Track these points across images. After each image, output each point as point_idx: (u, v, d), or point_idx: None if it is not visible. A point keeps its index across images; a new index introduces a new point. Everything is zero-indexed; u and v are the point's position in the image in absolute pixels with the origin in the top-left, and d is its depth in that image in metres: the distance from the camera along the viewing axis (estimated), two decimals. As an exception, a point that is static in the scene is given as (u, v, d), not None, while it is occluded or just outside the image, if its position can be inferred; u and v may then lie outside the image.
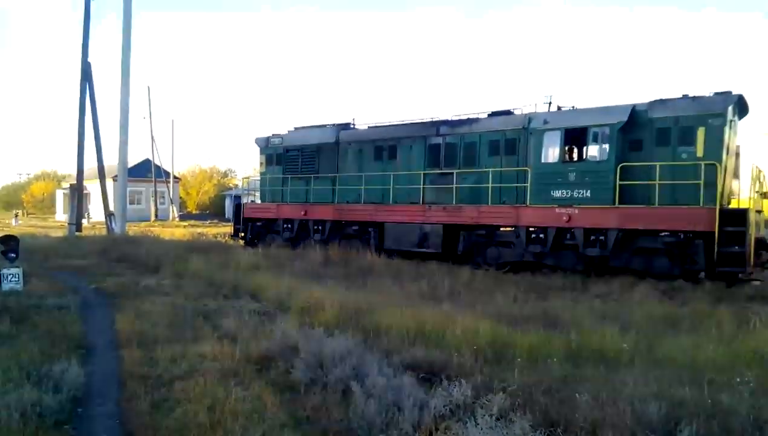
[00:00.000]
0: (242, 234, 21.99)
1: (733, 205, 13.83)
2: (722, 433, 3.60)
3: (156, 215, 50.12)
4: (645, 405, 3.91)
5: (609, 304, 10.11)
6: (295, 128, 21.64)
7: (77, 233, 25.96)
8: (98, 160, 27.33)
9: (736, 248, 11.99)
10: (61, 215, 55.58)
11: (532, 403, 4.14)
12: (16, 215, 59.29)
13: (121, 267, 14.89)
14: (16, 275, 10.22)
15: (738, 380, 4.57)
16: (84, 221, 33.38)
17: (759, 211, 13.50)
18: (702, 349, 6.21)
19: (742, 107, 13.87)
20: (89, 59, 26.34)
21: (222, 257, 15.24)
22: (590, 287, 12.31)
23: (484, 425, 3.49)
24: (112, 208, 27.69)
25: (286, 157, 20.85)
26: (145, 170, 51.78)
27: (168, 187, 51.51)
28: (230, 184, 64.69)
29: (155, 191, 51.14)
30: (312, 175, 19.98)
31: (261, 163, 22.15)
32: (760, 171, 13.78)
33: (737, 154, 13.94)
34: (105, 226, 28.28)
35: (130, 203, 28.16)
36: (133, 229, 31.11)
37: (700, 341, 6.68)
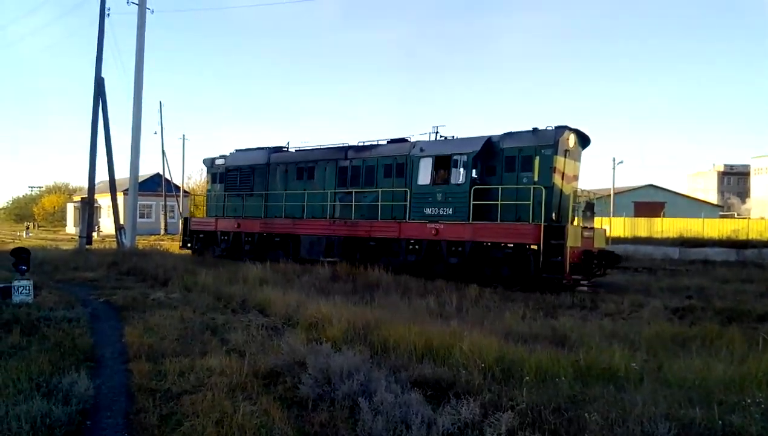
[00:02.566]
0: (189, 245, 24.77)
1: (577, 222, 16.30)
2: (733, 455, 3.56)
3: (165, 229, 50.41)
4: (654, 426, 3.87)
5: (618, 323, 10.03)
6: (236, 150, 24.30)
7: (87, 246, 26.13)
8: (110, 174, 27.58)
9: (559, 258, 14.31)
10: (72, 228, 56.03)
11: (540, 422, 4.11)
12: (28, 228, 59.84)
13: (131, 280, 14.98)
14: (27, 287, 10.29)
15: (749, 401, 4.51)
16: (94, 234, 33.61)
17: (590, 228, 15.96)
18: (712, 369, 6.14)
19: (583, 139, 16.50)
20: (102, 75, 26.70)
21: (230, 271, 15.28)
22: (599, 305, 12.26)
23: (492, 443, 3.47)
24: (122, 221, 27.89)
25: (227, 177, 23.64)
26: (155, 184, 52.24)
27: (178, 201, 51.82)
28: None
29: (165, 205, 51.50)
30: (246, 193, 22.68)
31: (207, 181, 25.23)
32: (583, 192, 16.67)
33: (577, 178, 16.47)
34: (115, 239, 28.47)
35: (140, 217, 28.36)
36: (142, 242, 31.31)
37: (710, 362, 6.61)
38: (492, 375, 5.62)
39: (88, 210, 27.49)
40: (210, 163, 24.75)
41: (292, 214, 20.89)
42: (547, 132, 15.46)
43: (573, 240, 14.73)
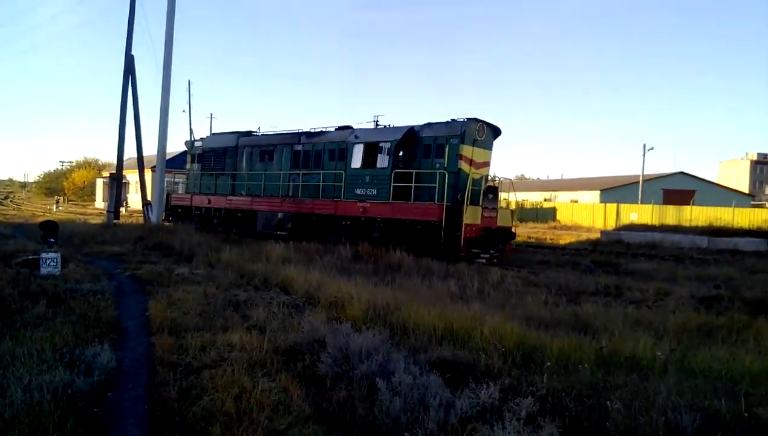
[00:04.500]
0: (170, 218, 26.91)
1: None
2: (762, 449, 3.44)
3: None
4: (679, 416, 3.77)
5: (642, 311, 9.85)
6: (212, 134, 27.16)
7: (115, 221, 26.61)
8: (138, 151, 27.94)
9: (457, 234, 16.64)
10: (101, 203, 57.09)
11: (561, 408, 4.04)
12: (58, 202, 61.17)
13: (156, 255, 15.17)
14: (54, 260, 10.49)
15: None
16: (122, 210, 34.13)
17: (493, 208, 18.10)
18: (739, 360, 5.99)
19: (493, 130, 18.61)
20: (132, 52, 26.87)
21: (253, 249, 15.39)
22: (624, 292, 12.06)
23: (511, 429, 3.41)
24: (149, 197, 28.26)
25: (203, 158, 26.11)
26: (182, 162, 52.55)
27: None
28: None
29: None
30: (218, 172, 25.12)
31: (187, 162, 27.49)
32: (493, 178, 18.91)
33: (488, 164, 18.56)
34: (142, 214, 28.89)
35: (176, 193, 28.83)
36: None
37: (737, 352, 6.44)
38: (512, 360, 5.56)
39: (116, 186, 27.92)
40: (190, 145, 27.13)
41: (254, 192, 23.23)
42: (455, 123, 17.64)
43: (471, 218, 16.99)
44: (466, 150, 17.46)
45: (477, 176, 17.66)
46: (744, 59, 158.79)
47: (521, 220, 49.14)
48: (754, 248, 26.28)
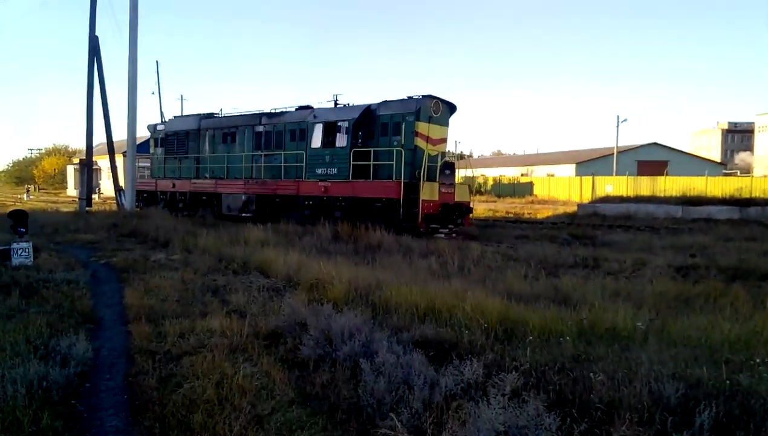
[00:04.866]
0: (136, 204, 26.16)
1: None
2: (743, 416, 3.48)
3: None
4: (662, 386, 3.80)
5: (621, 282, 9.95)
6: (175, 117, 27.22)
7: (88, 208, 26.00)
8: (107, 136, 27.17)
9: (415, 210, 16.98)
10: (73, 190, 55.91)
11: (545, 382, 4.04)
12: (28, 190, 59.72)
13: (131, 242, 14.91)
14: (26, 250, 10.21)
15: (757, 360, 4.43)
16: (95, 197, 33.42)
17: (450, 184, 18.22)
18: (717, 328, 6.07)
19: (449, 106, 18.74)
20: (96, 33, 26.04)
21: (231, 232, 15.20)
22: (602, 264, 12.19)
23: (496, 405, 3.39)
24: (122, 183, 27.70)
25: (166, 141, 26.15)
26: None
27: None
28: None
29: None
30: (182, 156, 25.16)
31: (151, 146, 27.30)
32: (450, 153, 19.54)
33: (444, 141, 18.82)
34: (115, 201, 28.34)
35: (140, 178, 28.20)
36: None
37: (715, 320, 6.53)
38: (495, 335, 5.55)
39: (87, 172, 27.26)
40: (153, 128, 27.14)
41: (218, 175, 23.42)
42: (411, 101, 17.83)
43: (429, 194, 17.27)
44: (422, 127, 17.68)
45: (434, 153, 17.88)
46: (713, 30, 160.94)
47: (499, 195, 49.54)
48: (727, 216, 26.85)
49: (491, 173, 63.02)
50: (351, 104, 19.91)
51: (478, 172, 65.86)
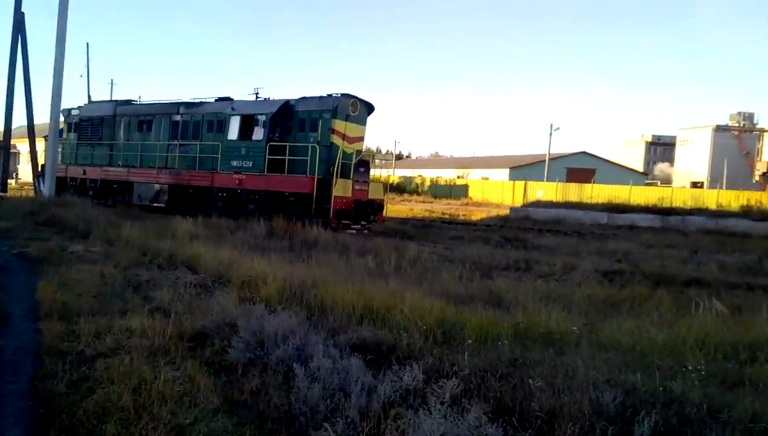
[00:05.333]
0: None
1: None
2: (680, 425, 3.50)
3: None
4: (600, 393, 3.77)
5: (551, 285, 10.13)
6: (90, 102, 27.93)
7: (2, 194, 24.32)
8: (28, 119, 25.68)
9: (327, 206, 17.13)
10: (-15, 174, 51.98)
11: (485, 389, 3.93)
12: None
13: (49, 231, 13.91)
14: (-77, 237, 9.26)
15: (689, 367, 4.51)
16: (11, 182, 31.29)
17: (365, 182, 18.52)
18: (645, 333, 6.20)
19: (367, 106, 19.02)
20: (23, 9, 24.37)
21: (158, 224, 14.47)
22: (533, 266, 12.41)
23: (436, 413, 3.24)
24: (41, 168, 26.05)
25: (80, 127, 25.47)
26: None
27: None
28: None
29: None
30: (96, 142, 24.56)
31: (64, 131, 26.24)
32: (367, 151, 19.91)
33: (361, 139, 19.24)
34: (33, 187, 26.66)
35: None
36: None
37: (642, 325, 6.69)
38: (434, 338, 5.43)
39: (4, 156, 25.57)
40: (67, 113, 26.16)
41: (131, 163, 22.91)
42: (329, 98, 18.16)
43: (342, 191, 17.50)
44: (339, 125, 17.97)
45: (350, 150, 18.21)
46: (647, 43, 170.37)
47: (435, 196, 50.12)
48: (649, 223, 28.21)
49: (429, 174, 63.80)
50: (271, 99, 19.91)
51: (416, 173, 66.65)
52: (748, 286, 10.74)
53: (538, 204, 37.56)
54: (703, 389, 4.10)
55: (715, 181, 63.41)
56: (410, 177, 63.39)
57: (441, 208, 37.45)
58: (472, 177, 61.31)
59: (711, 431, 3.41)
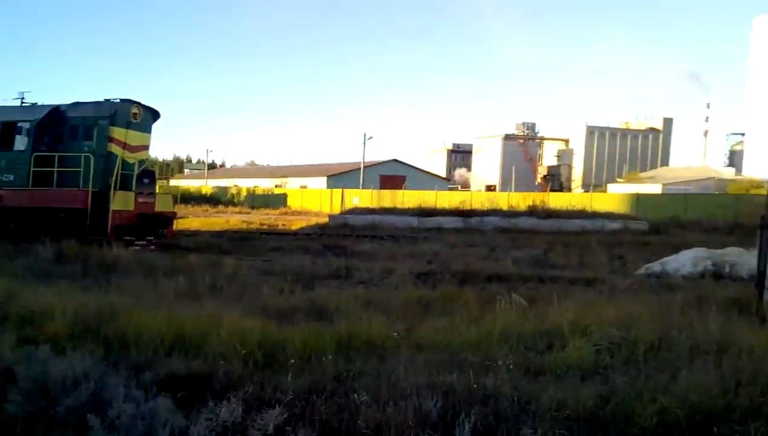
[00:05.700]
0: None
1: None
2: (496, 422, 3.66)
3: None
4: (423, 400, 3.81)
5: (371, 290, 10.34)
6: None
7: None
8: None
9: (104, 221, 15.73)
10: None
11: (312, 413, 3.74)
12: None
13: None
14: None
15: (500, 363, 4.80)
16: None
17: (150, 193, 17.57)
18: (456, 330, 6.51)
19: (152, 112, 18.01)
20: None
21: None
22: (354, 273, 12.58)
23: (258, 450, 2.97)
24: None
25: None
26: None
27: None
28: None
29: None
30: None
31: None
32: (154, 161, 19.15)
33: (146, 148, 18.16)
34: None
35: None
36: None
37: (454, 322, 7.04)
38: (254, 362, 5.10)
39: None
40: None
41: None
42: (106, 104, 16.89)
43: (122, 204, 16.31)
44: (119, 132, 16.64)
45: (131, 160, 17.01)
46: (446, 63, 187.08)
47: (253, 206, 48.89)
48: (453, 225, 30.53)
49: (245, 184, 62.14)
50: (39, 104, 17.91)
51: (231, 183, 64.41)
52: (539, 278, 12.05)
53: (355, 211, 38.58)
54: (512, 382, 4.37)
55: (506, 185, 71.54)
56: (225, 187, 61.22)
57: (259, 218, 36.56)
58: (291, 186, 61.18)
59: (524, 425, 3.62)
